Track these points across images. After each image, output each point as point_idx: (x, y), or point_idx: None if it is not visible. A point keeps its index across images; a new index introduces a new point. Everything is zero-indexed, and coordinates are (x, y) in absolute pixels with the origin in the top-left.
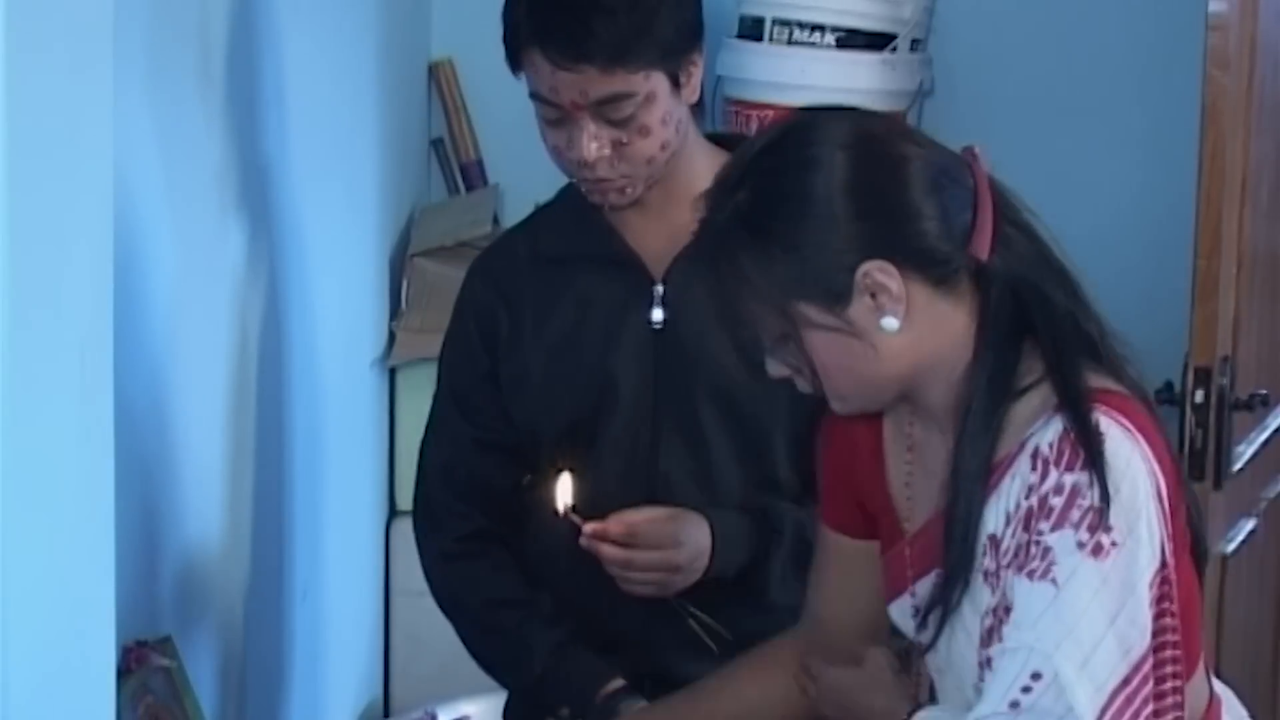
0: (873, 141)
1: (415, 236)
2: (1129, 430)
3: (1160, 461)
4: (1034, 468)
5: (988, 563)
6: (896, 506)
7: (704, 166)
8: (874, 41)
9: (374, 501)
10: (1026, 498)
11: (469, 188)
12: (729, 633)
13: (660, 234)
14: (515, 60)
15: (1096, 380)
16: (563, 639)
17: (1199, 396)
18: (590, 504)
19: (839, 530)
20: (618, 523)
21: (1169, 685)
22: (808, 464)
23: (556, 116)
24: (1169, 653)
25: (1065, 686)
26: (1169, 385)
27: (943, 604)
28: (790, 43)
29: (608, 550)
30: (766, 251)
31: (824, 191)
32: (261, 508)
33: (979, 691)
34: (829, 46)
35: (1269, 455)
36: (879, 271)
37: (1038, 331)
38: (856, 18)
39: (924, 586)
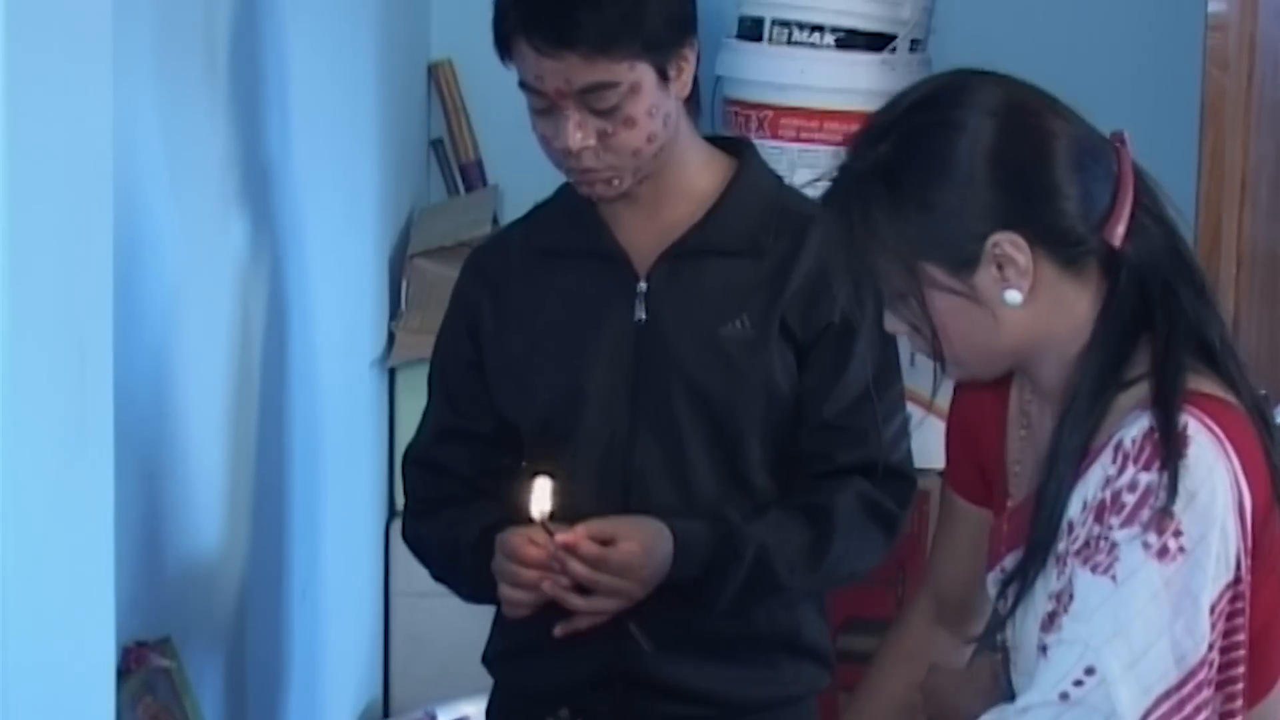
0: (1022, 112)
1: (415, 237)
2: (1218, 439)
3: (1252, 476)
4: (1114, 460)
5: (1061, 546)
6: (1007, 478)
7: (698, 166)
8: (873, 42)
9: (373, 502)
10: (1103, 489)
11: (468, 188)
12: (670, 635)
13: (650, 231)
14: (504, 49)
15: (1203, 384)
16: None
17: None
18: (564, 497)
19: (959, 493)
20: (589, 544)
21: (1236, 706)
22: (781, 467)
23: (543, 105)
24: (1237, 670)
25: (1111, 684)
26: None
27: (1020, 580)
28: (790, 43)
29: (576, 569)
30: (901, 208)
31: (967, 156)
32: (261, 508)
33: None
34: (828, 47)
35: None
36: (1009, 244)
37: (1155, 326)
38: (856, 18)
39: (1011, 561)
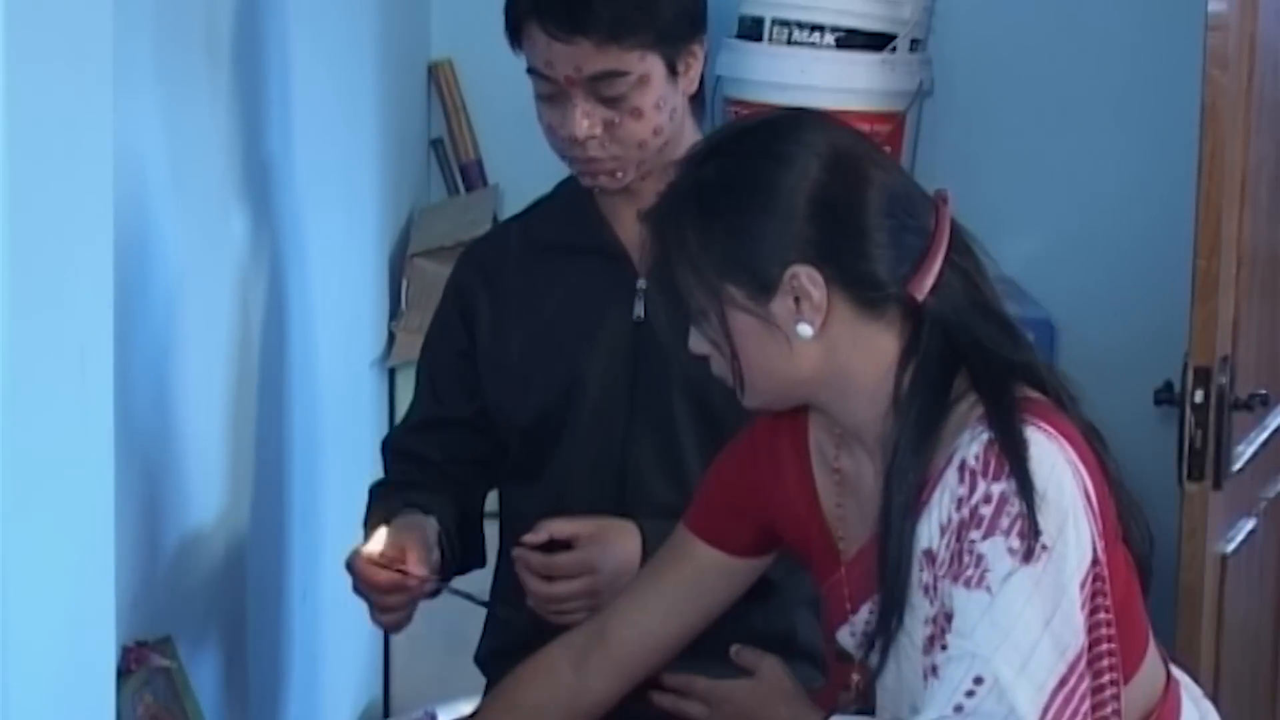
0: (847, 158)
1: (415, 237)
2: (1051, 434)
3: (1085, 460)
4: (961, 480)
5: (925, 576)
6: (831, 533)
7: None
8: (873, 41)
9: None
10: (957, 510)
11: (468, 188)
12: None
13: None
14: (515, 34)
15: (1020, 390)
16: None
17: (1198, 396)
18: (558, 494)
19: (708, 539)
20: (536, 557)
21: (1106, 679)
22: None
23: (551, 91)
24: (1105, 646)
25: (1006, 689)
26: (1169, 385)
27: (883, 631)
28: (790, 43)
29: (531, 584)
30: (710, 228)
31: (786, 189)
32: (261, 508)
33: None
34: (828, 46)
35: (1269, 455)
36: (806, 277)
37: (967, 360)
38: (856, 18)
39: (864, 612)
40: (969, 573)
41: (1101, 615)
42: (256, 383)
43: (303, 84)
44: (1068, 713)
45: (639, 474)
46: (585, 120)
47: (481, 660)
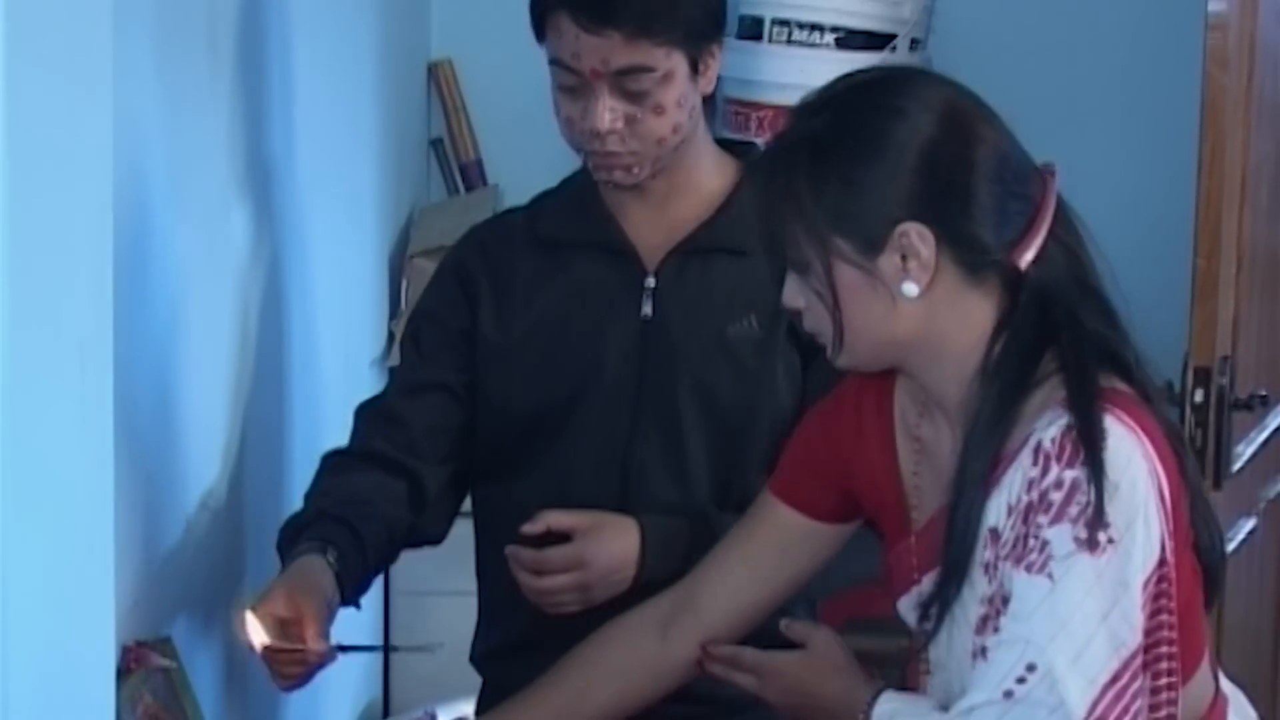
0: (961, 114)
1: (415, 236)
2: (1131, 428)
3: (1163, 459)
4: (1035, 462)
5: (987, 554)
6: (906, 500)
7: (709, 165)
8: (873, 41)
9: None
10: (1027, 492)
11: (468, 188)
12: None
13: (659, 226)
14: (540, 25)
15: (1108, 380)
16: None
17: (1198, 396)
18: (560, 489)
19: (793, 502)
20: (526, 553)
21: (1164, 682)
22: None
23: (574, 84)
24: (1164, 649)
25: (1057, 680)
26: (1169, 385)
27: (941, 599)
28: (790, 43)
29: (522, 578)
30: (823, 180)
31: (899, 143)
32: (262, 507)
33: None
34: (828, 46)
35: (1269, 455)
36: (916, 234)
37: (1059, 340)
38: (856, 18)
39: (927, 583)
40: (1032, 557)
41: (1164, 617)
42: (256, 382)
43: (303, 84)
44: (1117, 710)
45: (642, 471)
46: (608, 114)
47: (477, 660)
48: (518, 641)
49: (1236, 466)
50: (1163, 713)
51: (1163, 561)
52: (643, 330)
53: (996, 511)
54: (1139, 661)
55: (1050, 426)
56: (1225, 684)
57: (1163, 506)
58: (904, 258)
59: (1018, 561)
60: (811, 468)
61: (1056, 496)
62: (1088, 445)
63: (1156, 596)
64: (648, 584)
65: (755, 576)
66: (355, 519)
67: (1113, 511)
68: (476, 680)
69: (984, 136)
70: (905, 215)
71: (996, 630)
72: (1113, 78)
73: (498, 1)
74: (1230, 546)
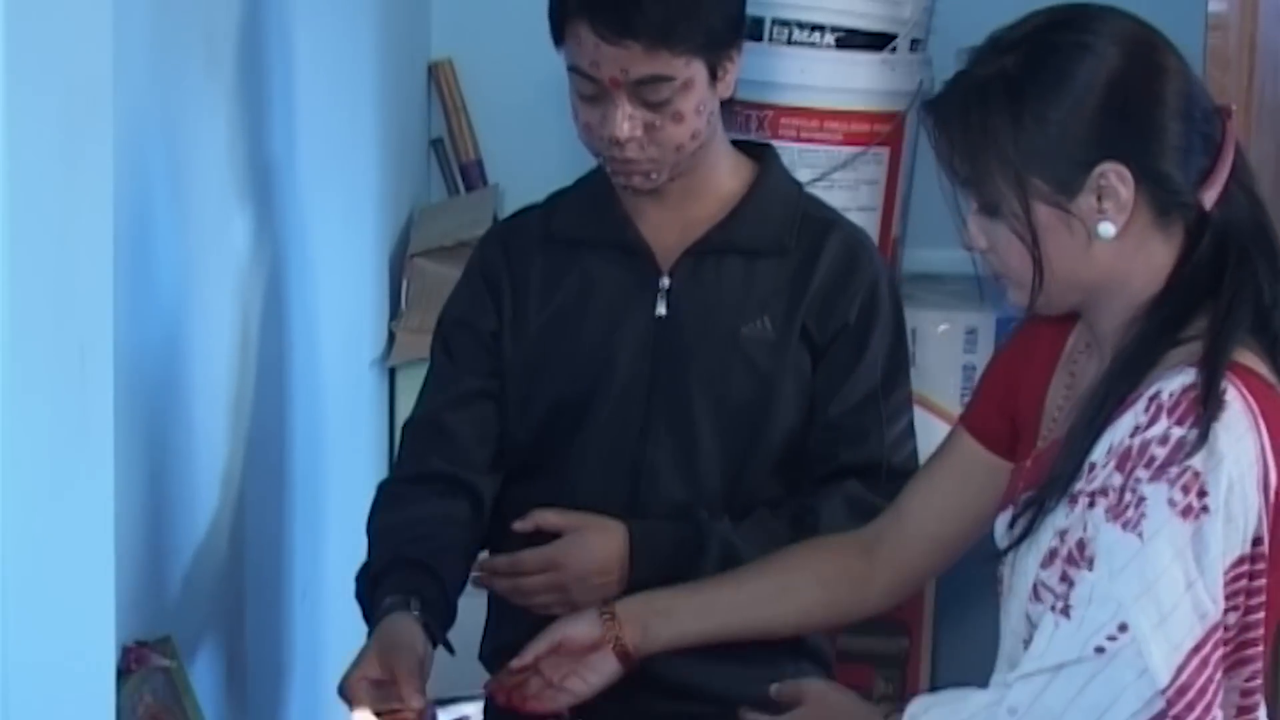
0: (1148, 46)
1: (415, 236)
2: (1252, 410)
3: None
4: (1147, 410)
5: (1078, 486)
6: (1043, 422)
7: (726, 167)
8: (873, 41)
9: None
10: (1131, 436)
11: (468, 188)
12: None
13: (674, 227)
14: (559, 32)
15: (1251, 361)
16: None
17: None
18: (570, 488)
19: (978, 435)
20: (500, 560)
21: (1255, 684)
22: (791, 469)
23: (593, 92)
24: (1253, 649)
25: (1143, 642)
26: None
27: (1033, 511)
28: (790, 43)
29: (498, 584)
30: (1020, 118)
31: (1088, 78)
32: (261, 507)
33: (1029, 619)
34: (829, 46)
35: None
36: (1115, 174)
37: (1221, 293)
38: (856, 18)
39: (1021, 502)
40: (1128, 514)
41: (1257, 615)
42: (256, 382)
43: (303, 84)
44: (1202, 679)
45: (653, 471)
46: (627, 123)
47: (486, 657)
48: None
49: None
50: (1254, 714)
51: (1253, 555)
52: (656, 330)
53: (1100, 448)
54: (1221, 634)
55: (1173, 380)
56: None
57: (1265, 497)
58: (1099, 198)
59: (1110, 513)
60: (997, 402)
61: (1160, 452)
62: (1205, 408)
63: (1249, 593)
64: (637, 587)
65: (947, 510)
66: (430, 558)
67: (1212, 481)
68: (477, 680)
69: (1169, 67)
70: (1103, 155)
71: (1072, 584)
72: None
73: (498, 1)
74: None
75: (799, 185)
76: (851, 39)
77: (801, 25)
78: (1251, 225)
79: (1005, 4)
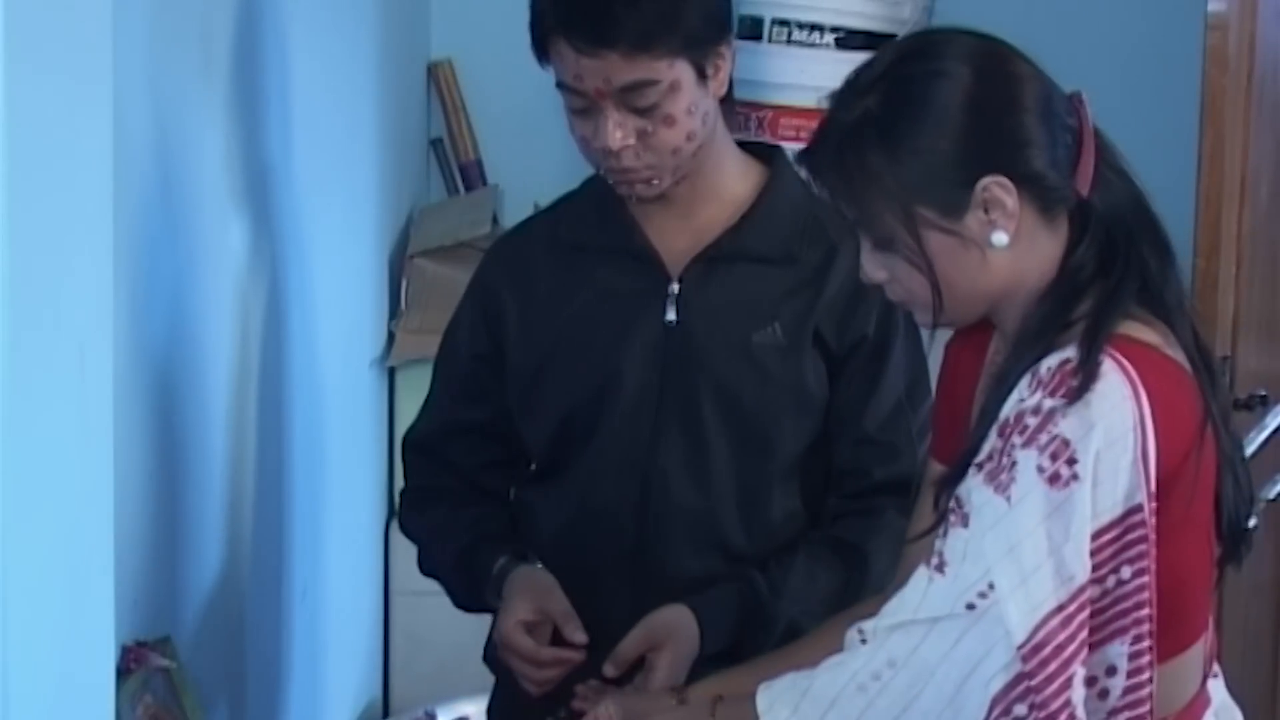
0: (995, 59)
1: (414, 236)
2: (1130, 380)
3: (1167, 426)
4: (1029, 384)
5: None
6: (970, 422)
7: (733, 169)
8: (873, 41)
9: (374, 501)
10: (1012, 410)
11: (468, 188)
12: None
13: (683, 232)
14: (542, 49)
15: (1141, 332)
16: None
17: None
18: (581, 496)
19: (945, 462)
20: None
21: (1145, 645)
22: (804, 475)
23: (582, 105)
24: (1141, 612)
25: (1001, 601)
26: None
27: (949, 489)
28: (789, 43)
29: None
30: (894, 152)
31: (947, 102)
32: (261, 508)
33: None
34: (828, 46)
35: (1268, 455)
36: (998, 186)
37: (1111, 273)
38: (856, 18)
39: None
40: (1000, 477)
41: (1142, 579)
42: (256, 382)
43: (303, 84)
44: (1062, 637)
45: (664, 478)
46: (618, 131)
47: (491, 659)
48: None
49: None
50: (1144, 676)
51: (1131, 522)
52: (666, 336)
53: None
54: (1088, 596)
55: (1054, 356)
56: (1220, 691)
57: (1143, 465)
58: (987, 210)
59: (984, 472)
60: (941, 425)
61: (1033, 421)
62: (1079, 381)
63: (1115, 554)
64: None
65: None
66: (510, 532)
67: (1081, 449)
68: (477, 680)
69: (1021, 73)
70: (979, 171)
71: (956, 538)
72: (1113, 78)
73: (498, 1)
74: None
75: (809, 188)
76: (851, 39)
77: (801, 25)
78: (1130, 203)
79: (1004, 4)
